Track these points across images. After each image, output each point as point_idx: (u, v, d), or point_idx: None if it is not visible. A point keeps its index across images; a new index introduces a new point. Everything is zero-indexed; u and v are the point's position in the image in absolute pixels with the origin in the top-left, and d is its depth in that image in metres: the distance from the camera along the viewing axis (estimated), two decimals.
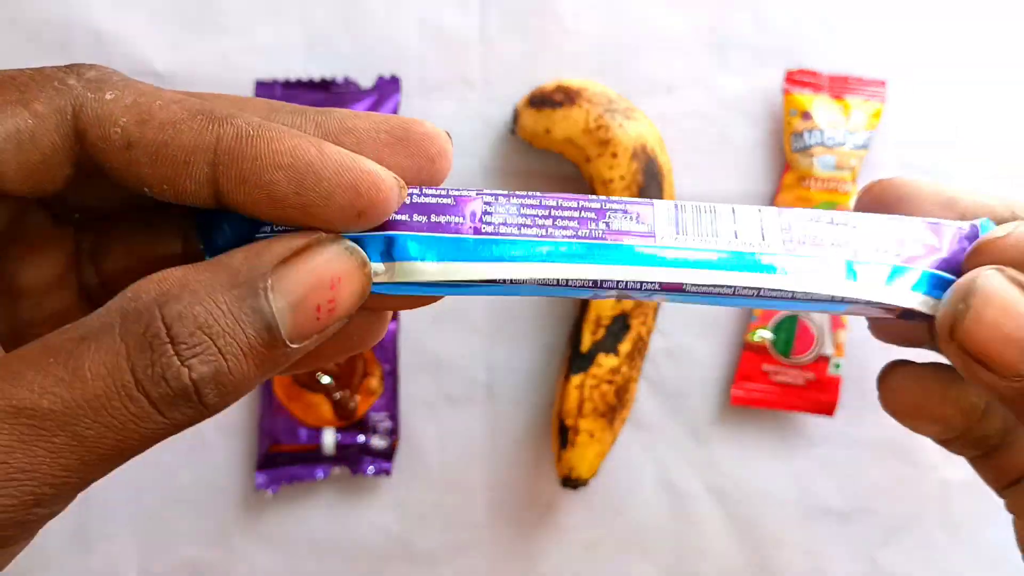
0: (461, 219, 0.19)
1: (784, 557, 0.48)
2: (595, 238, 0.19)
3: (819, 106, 0.45)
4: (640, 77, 0.46)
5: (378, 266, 0.19)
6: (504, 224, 0.19)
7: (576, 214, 0.20)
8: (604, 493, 0.47)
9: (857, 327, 0.46)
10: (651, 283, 0.19)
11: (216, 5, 0.45)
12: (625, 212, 0.20)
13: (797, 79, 0.46)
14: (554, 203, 0.20)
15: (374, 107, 0.45)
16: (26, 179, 0.17)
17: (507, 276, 0.19)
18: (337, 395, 0.45)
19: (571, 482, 0.45)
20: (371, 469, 0.46)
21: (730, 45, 0.47)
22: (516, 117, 0.44)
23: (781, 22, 0.46)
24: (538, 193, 0.20)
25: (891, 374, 0.22)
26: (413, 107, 0.46)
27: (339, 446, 0.45)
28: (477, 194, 0.20)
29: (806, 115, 0.45)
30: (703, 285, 0.19)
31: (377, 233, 0.19)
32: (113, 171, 0.17)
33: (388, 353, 0.46)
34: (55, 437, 0.15)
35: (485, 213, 0.19)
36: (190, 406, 0.16)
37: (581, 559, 0.48)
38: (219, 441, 0.46)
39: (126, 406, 0.15)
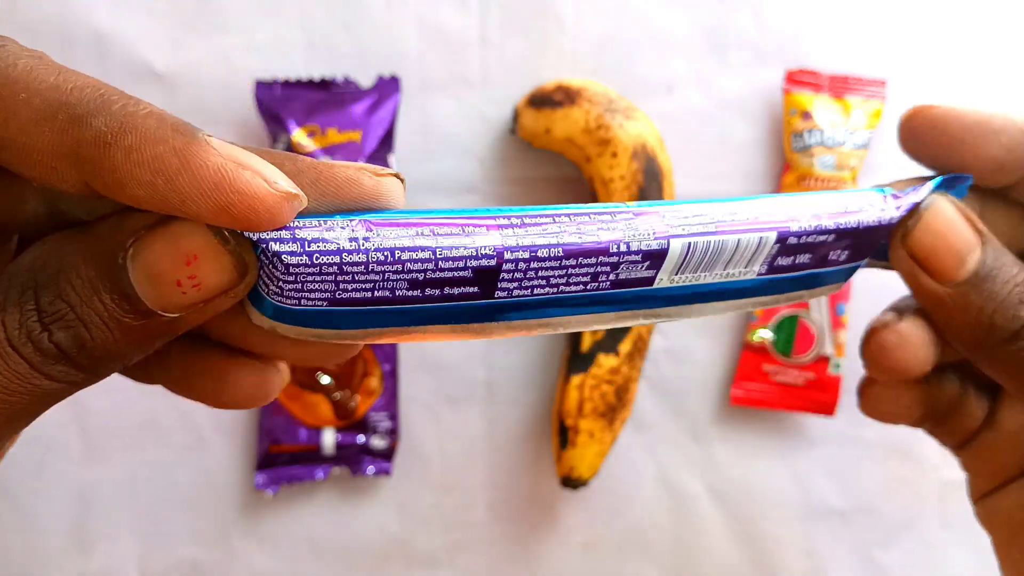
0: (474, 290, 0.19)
1: (784, 557, 0.48)
2: (600, 290, 0.20)
3: (819, 106, 0.45)
4: (640, 77, 0.46)
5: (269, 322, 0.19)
6: (519, 288, 0.19)
7: (592, 268, 0.20)
8: (604, 493, 0.47)
9: (857, 327, 0.46)
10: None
11: (216, 5, 0.45)
12: (638, 262, 0.20)
13: (797, 79, 0.46)
14: (573, 262, 0.19)
15: (374, 107, 0.45)
16: None
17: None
18: (337, 395, 0.45)
19: (571, 482, 0.45)
20: (371, 469, 0.46)
21: (730, 45, 0.47)
22: (516, 117, 0.44)
23: (781, 22, 0.46)
24: (558, 243, 0.19)
25: (869, 389, 0.26)
26: (413, 107, 0.46)
27: (339, 446, 0.45)
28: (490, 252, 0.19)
29: (806, 115, 0.45)
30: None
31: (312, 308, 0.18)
32: None
33: (388, 353, 0.46)
34: None
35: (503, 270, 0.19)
36: (66, 365, 0.17)
37: (581, 559, 0.48)
38: (219, 441, 0.46)
39: (5, 361, 0.16)
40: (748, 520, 0.48)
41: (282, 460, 0.45)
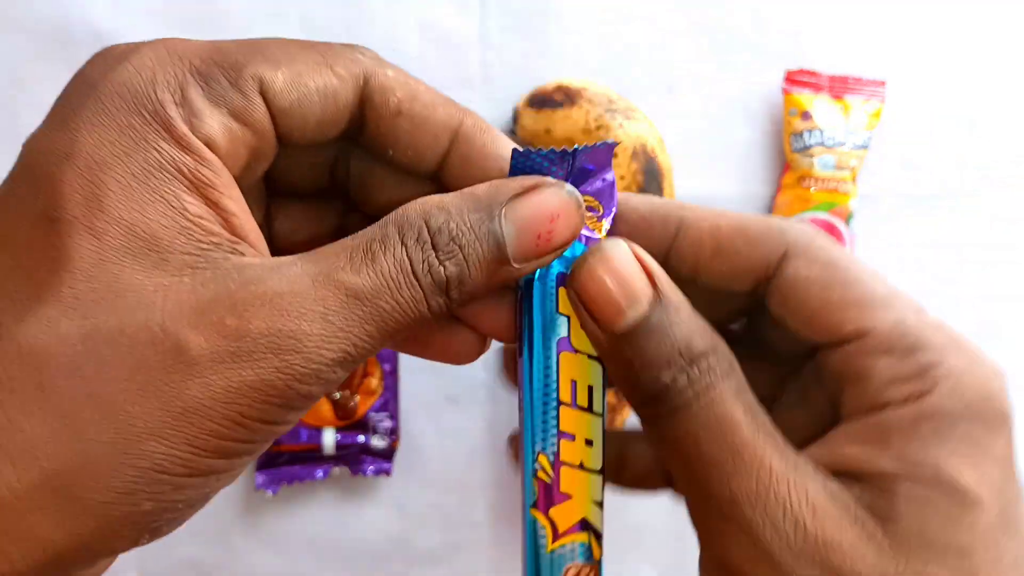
0: None
1: None
2: None
3: (819, 106, 0.45)
4: (640, 77, 0.46)
5: None
6: None
7: None
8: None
9: None
10: None
11: (216, 5, 0.45)
12: None
13: (797, 79, 0.46)
14: None
15: None
16: (319, 127, 0.21)
17: None
18: (337, 395, 0.45)
19: None
20: (371, 469, 0.46)
21: (730, 45, 0.47)
22: (516, 117, 0.44)
23: (781, 22, 0.46)
24: None
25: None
26: None
27: (339, 446, 0.45)
28: None
29: (806, 115, 0.45)
30: None
31: None
32: (378, 131, 0.22)
33: (388, 353, 0.46)
34: (364, 307, 0.19)
35: None
36: (442, 297, 0.20)
37: None
38: None
39: (410, 289, 0.19)
40: None
41: (282, 460, 0.45)
